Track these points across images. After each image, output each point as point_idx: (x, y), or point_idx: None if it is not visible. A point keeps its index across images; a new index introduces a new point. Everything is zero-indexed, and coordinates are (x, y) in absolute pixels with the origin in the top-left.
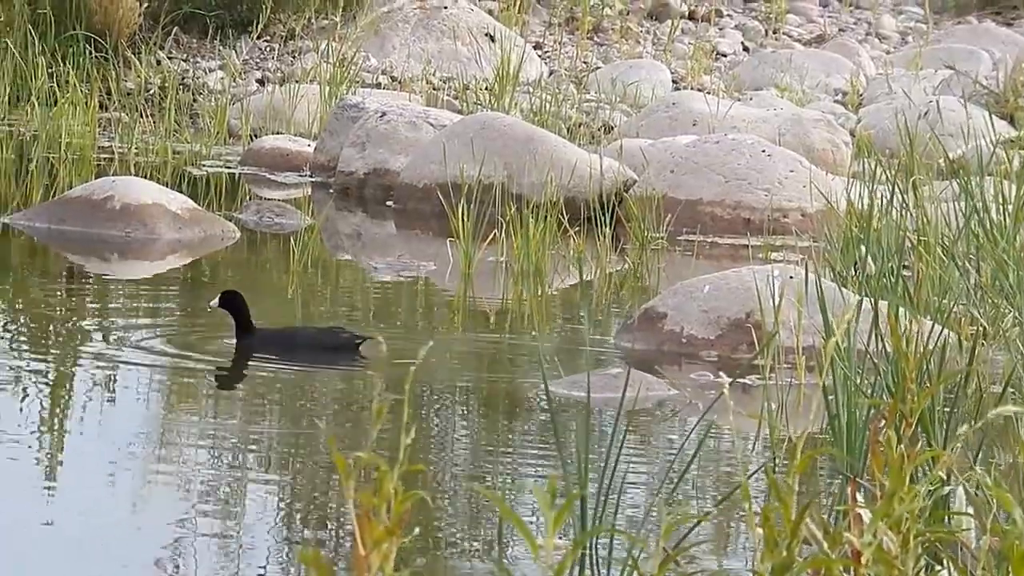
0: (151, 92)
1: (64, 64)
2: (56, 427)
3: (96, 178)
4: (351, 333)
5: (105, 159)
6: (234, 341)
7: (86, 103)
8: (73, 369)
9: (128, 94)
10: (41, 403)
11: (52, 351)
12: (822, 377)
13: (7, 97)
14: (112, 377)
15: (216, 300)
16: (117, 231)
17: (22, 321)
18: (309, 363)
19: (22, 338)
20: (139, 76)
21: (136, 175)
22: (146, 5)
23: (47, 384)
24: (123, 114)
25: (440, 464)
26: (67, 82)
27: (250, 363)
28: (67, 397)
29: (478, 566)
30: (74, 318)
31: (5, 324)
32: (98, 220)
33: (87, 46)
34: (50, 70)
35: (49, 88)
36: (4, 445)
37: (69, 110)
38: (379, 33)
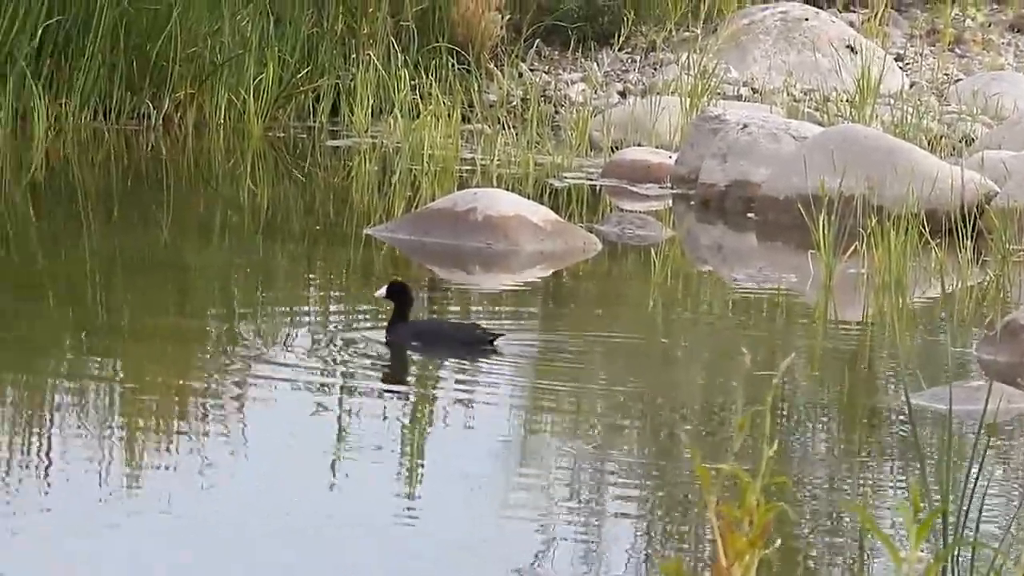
0: (513, 104)
1: (427, 76)
2: (420, 429)
3: (458, 190)
4: (484, 330)
5: (467, 171)
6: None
7: (448, 115)
8: (437, 376)
9: (490, 106)
10: (406, 408)
11: (415, 362)
12: None
13: (370, 109)
14: (475, 384)
15: (383, 290)
16: (479, 243)
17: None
18: (447, 356)
19: (387, 351)
20: (501, 88)
21: (498, 187)
22: (508, 17)
23: (413, 390)
24: (485, 126)
25: (800, 475)
26: (429, 94)
27: (613, 375)
28: (429, 403)
29: None
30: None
31: (372, 335)
32: (460, 232)
33: (449, 58)
34: (413, 82)
35: (412, 100)
36: (376, 449)
37: (431, 122)
38: (739, 45)
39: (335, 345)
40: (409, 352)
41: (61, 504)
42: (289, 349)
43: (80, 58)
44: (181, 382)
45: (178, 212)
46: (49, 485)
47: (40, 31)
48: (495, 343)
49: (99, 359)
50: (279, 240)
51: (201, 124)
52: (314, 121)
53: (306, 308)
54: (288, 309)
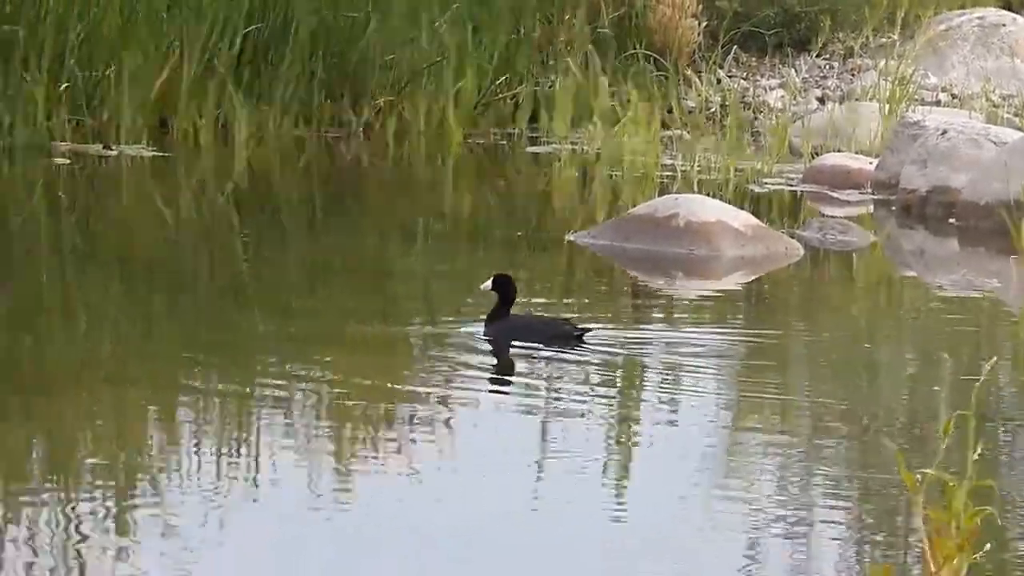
0: (712, 110)
1: (625, 83)
2: (626, 433)
3: (658, 196)
4: (573, 325)
5: (667, 177)
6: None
7: (647, 121)
8: (641, 379)
9: (689, 112)
10: (611, 412)
11: (618, 365)
12: None
13: (569, 116)
14: (679, 387)
15: (488, 283)
16: (680, 248)
17: (595, 337)
18: (540, 349)
19: (590, 352)
20: (699, 94)
21: (698, 193)
22: (705, 24)
23: (619, 393)
24: (684, 132)
25: (1008, 479)
26: (628, 101)
27: (817, 380)
28: (634, 406)
29: None
30: (640, 332)
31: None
32: (661, 238)
33: (647, 65)
34: (611, 89)
35: (611, 107)
36: (582, 455)
37: (631, 128)
38: (937, 51)
39: (537, 352)
40: (608, 358)
41: (270, 505)
42: (492, 356)
43: (280, 66)
44: (385, 387)
45: (379, 219)
46: (257, 487)
47: (240, 39)
48: (583, 337)
49: (303, 365)
50: (480, 247)
51: (401, 131)
52: (514, 128)
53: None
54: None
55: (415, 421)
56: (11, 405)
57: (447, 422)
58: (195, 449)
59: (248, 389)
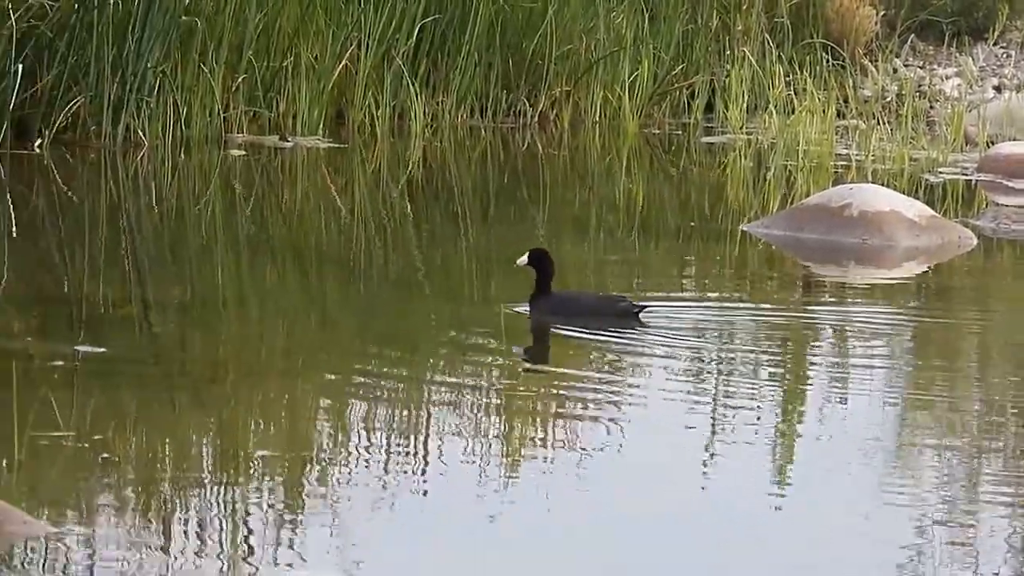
0: (888, 99)
1: (801, 72)
2: (792, 419)
3: (833, 186)
4: (630, 302)
5: (842, 167)
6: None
7: (823, 111)
8: (809, 368)
9: (865, 101)
10: (778, 398)
11: (787, 352)
12: None
13: (745, 105)
14: (847, 375)
15: (524, 258)
16: (854, 238)
17: (767, 326)
18: (592, 327)
19: (762, 341)
20: (876, 83)
21: (873, 183)
22: (883, 13)
23: (786, 379)
24: (860, 121)
25: None
26: (804, 90)
27: (990, 370)
28: (799, 396)
29: None
30: (810, 319)
31: (745, 326)
32: (835, 227)
33: (824, 54)
34: (787, 78)
35: (786, 96)
36: (746, 443)
37: (806, 118)
38: None
39: (710, 341)
40: (799, 340)
41: (439, 498)
42: (663, 344)
43: (456, 57)
44: (557, 379)
45: (554, 209)
46: (426, 480)
47: (417, 30)
48: (640, 315)
49: (476, 355)
50: (654, 236)
51: (576, 121)
52: (689, 117)
53: (682, 304)
54: (665, 305)
55: (585, 413)
56: (185, 395)
57: (615, 413)
58: (366, 441)
59: (421, 380)
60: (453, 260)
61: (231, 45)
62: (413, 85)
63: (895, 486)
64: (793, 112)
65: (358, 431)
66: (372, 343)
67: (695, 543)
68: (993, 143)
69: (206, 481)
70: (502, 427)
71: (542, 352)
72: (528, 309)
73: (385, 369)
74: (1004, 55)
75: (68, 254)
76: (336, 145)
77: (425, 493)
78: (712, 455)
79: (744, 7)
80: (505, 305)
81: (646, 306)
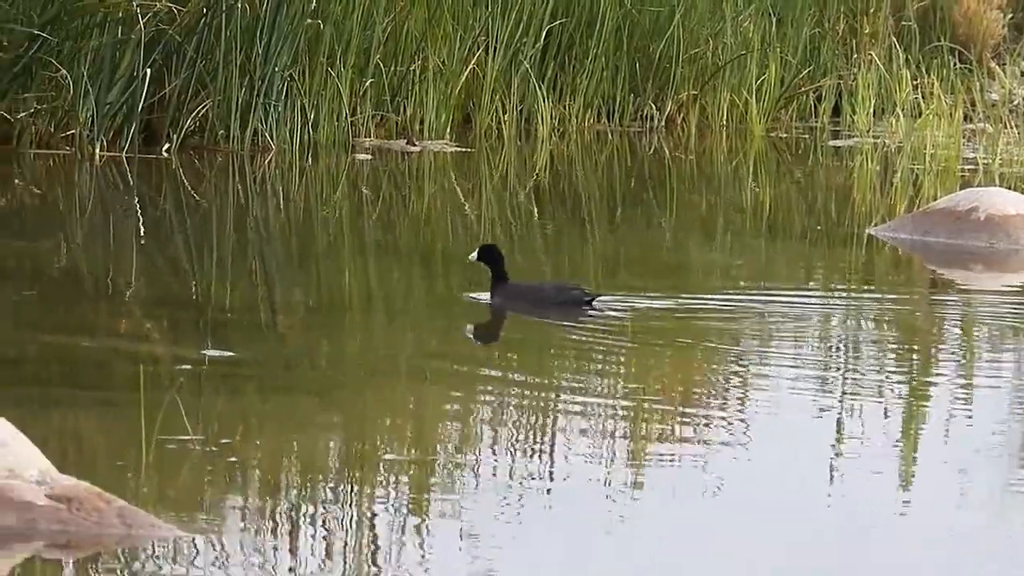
0: (1015, 103)
1: (928, 76)
2: (916, 424)
3: (960, 189)
4: (582, 290)
5: (969, 170)
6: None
7: (950, 114)
8: (930, 371)
9: (992, 105)
10: (902, 401)
11: (910, 357)
12: None
13: (872, 109)
14: (971, 376)
15: (475, 254)
16: (981, 242)
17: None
18: (545, 315)
19: (887, 341)
20: (1003, 87)
21: (1000, 186)
22: (1010, 16)
23: (907, 379)
24: (987, 125)
25: None
26: (931, 93)
27: None
28: (923, 398)
29: None
30: (933, 321)
31: (875, 330)
32: (962, 231)
33: (951, 57)
34: (914, 82)
35: (913, 100)
36: (874, 444)
37: (933, 122)
38: None
39: (834, 345)
40: (925, 341)
41: (565, 503)
42: (791, 348)
43: (583, 60)
44: (682, 381)
45: (681, 213)
46: (552, 483)
47: (544, 34)
48: (593, 303)
49: (603, 357)
50: (781, 240)
51: (703, 125)
52: (815, 121)
53: (808, 309)
54: (789, 309)
55: (711, 413)
56: (312, 398)
57: (741, 415)
58: (493, 444)
59: (547, 382)
60: (580, 264)
61: (359, 49)
62: (540, 89)
63: (1014, 489)
64: (920, 116)
65: (485, 434)
66: (498, 346)
67: (820, 547)
68: None
69: (332, 485)
70: (630, 429)
71: (661, 353)
72: (489, 297)
73: (511, 372)
74: None
75: (195, 258)
76: (463, 149)
77: (553, 495)
78: (839, 455)
79: (871, 10)
80: (465, 294)
81: (597, 295)
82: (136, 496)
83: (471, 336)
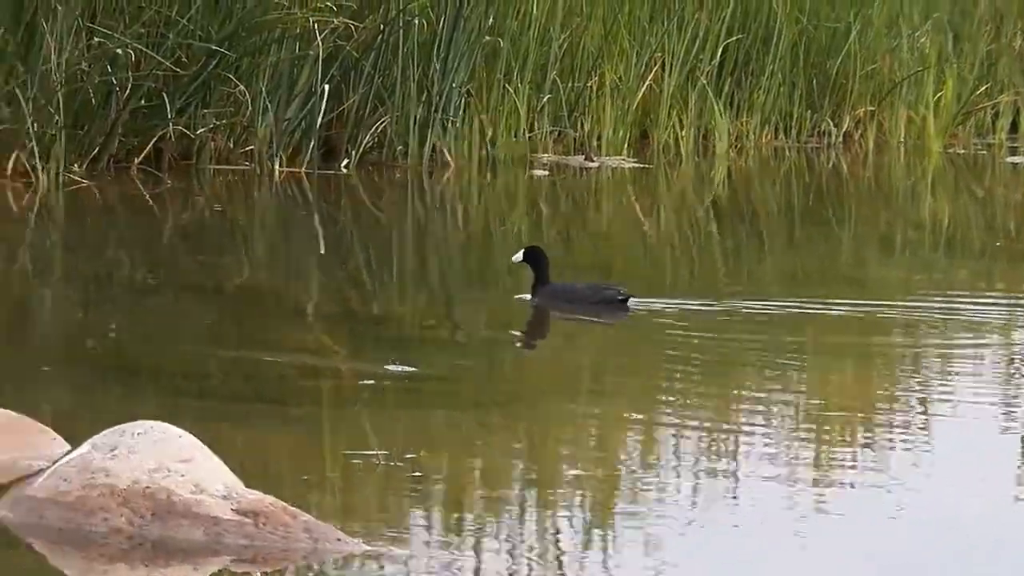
0: None
1: None
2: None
3: None
4: (616, 290)
5: None
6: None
7: None
8: None
9: None
10: None
11: None
12: None
13: None
14: None
15: (519, 255)
16: None
17: None
18: (585, 314)
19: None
20: None
21: None
22: None
23: None
24: None
25: None
26: None
27: None
28: None
29: None
30: None
31: None
32: None
33: None
34: None
35: None
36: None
37: None
38: None
39: (1017, 359)
40: None
41: (748, 520)
42: (971, 362)
43: (760, 76)
44: (861, 399)
45: (859, 228)
46: (736, 501)
47: (721, 50)
48: (627, 302)
49: (780, 374)
50: (958, 257)
51: (881, 141)
52: (993, 138)
53: (989, 321)
54: (967, 329)
55: (887, 430)
56: (495, 414)
57: (917, 431)
58: (676, 461)
59: (730, 399)
60: (760, 279)
61: (536, 65)
62: (717, 105)
63: None
64: None
65: (668, 448)
66: (680, 362)
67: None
68: None
69: (516, 500)
70: (813, 443)
71: (843, 363)
72: (530, 297)
73: (692, 386)
74: None
75: (375, 273)
76: (640, 165)
77: (736, 513)
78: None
79: None
80: (515, 297)
81: (631, 295)
82: (321, 510)
83: (652, 350)
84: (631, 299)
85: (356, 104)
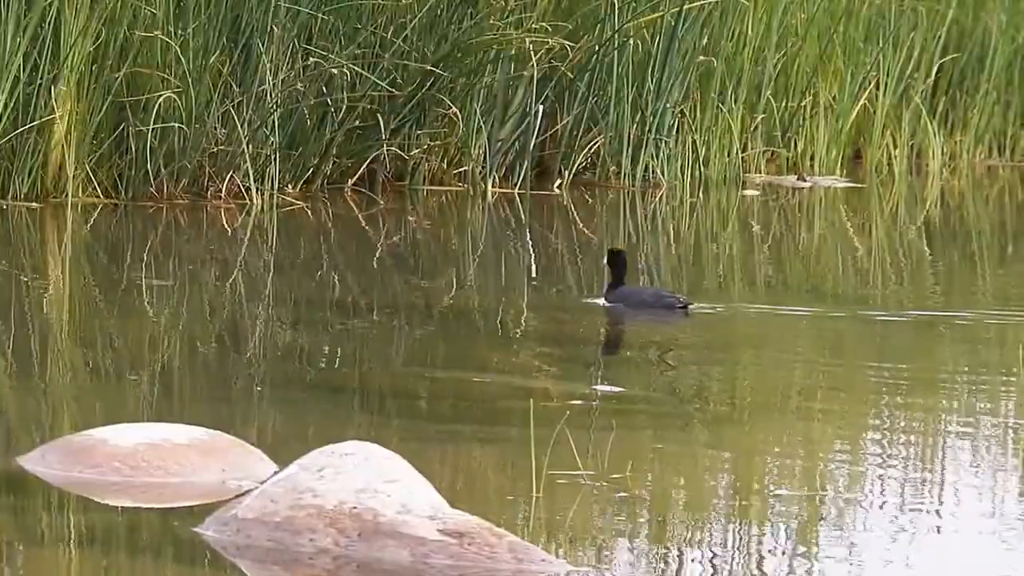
0: None
1: None
2: None
3: None
4: (676, 297)
5: None
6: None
7: None
8: None
9: None
10: None
11: None
12: None
13: None
14: None
15: (605, 257)
16: None
17: None
18: (648, 318)
19: None
20: None
21: None
22: None
23: None
24: None
25: None
26: None
27: None
28: None
29: None
30: None
31: None
32: None
33: None
34: None
35: None
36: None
37: None
38: None
39: None
40: None
41: (956, 539)
42: None
43: (975, 95)
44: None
45: None
46: (942, 520)
47: (935, 69)
48: (686, 309)
49: (988, 395)
50: None
51: None
52: None
53: None
54: None
55: (1001, 450)
56: (703, 434)
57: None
58: (884, 480)
59: (937, 418)
60: (970, 299)
61: (750, 85)
62: (931, 124)
63: None
64: None
65: (875, 470)
66: (888, 381)
67: None
68: None
69: (724, 521)
70: (1014, 466)
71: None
72: (603, 300)
73: (900, 407)
74: None
75: (585, 294)
76: (853, 184)
77: (943, 534)
78: None
79: None
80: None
81: (690, 303)
82: (526, 531)
83: (863, 367)
84: (689, 306)
85: (570, 124)
